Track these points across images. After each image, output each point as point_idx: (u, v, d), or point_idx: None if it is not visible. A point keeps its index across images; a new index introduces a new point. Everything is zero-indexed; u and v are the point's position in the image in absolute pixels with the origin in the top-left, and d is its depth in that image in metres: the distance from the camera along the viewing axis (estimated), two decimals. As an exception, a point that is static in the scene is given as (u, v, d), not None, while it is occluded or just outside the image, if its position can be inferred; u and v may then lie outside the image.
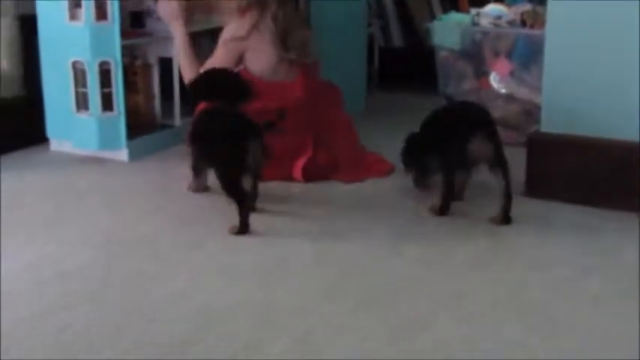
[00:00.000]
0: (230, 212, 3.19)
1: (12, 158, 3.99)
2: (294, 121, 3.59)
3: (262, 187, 3.42)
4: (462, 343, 2.30)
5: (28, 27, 4.10)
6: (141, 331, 2.36)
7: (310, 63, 3.82)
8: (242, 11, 3.69)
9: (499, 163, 3.16)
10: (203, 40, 4.34)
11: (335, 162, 3.70)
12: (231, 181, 3.04)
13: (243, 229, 3.03)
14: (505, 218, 3.15)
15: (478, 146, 3.13)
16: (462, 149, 3.13)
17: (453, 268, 2.80)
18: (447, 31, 4.32)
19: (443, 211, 3.24)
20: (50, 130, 4.08)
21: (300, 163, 3.63)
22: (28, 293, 2.60)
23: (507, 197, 3.14)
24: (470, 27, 4.27)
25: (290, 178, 3.63)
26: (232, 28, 3.70)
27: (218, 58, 3.68)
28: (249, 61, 3.70)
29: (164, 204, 3.40)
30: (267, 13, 3.68)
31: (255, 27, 3.67)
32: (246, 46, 3.69)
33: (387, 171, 3.76)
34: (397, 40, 5.34)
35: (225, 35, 3.71)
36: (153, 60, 4.22)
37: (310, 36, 3.87)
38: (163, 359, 2.22)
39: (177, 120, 4.22)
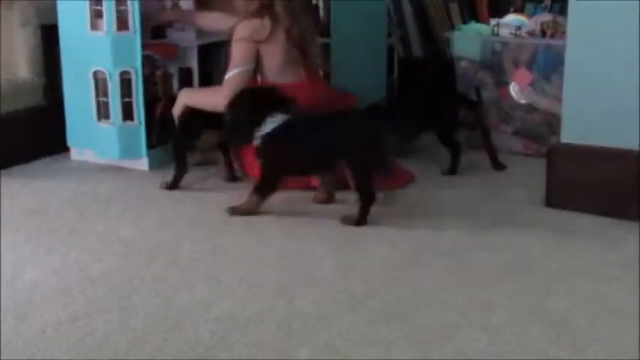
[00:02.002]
0: (250, 222, 3.22)
1: (33, 167, 4.02)
2: None
3: (283, 195, 3.44)
4: (484, 355, 2.29)
5: (49, 37, 4.13)
6: (164, 339, 2.36)
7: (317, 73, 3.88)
8: (250, 16, 3.67)
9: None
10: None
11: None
12: None
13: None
14: None
15: None
16: None
17: (474, 278, 2.80)
18: (467, 41, 4.32)
19: None
20: (71, 139, 4.10)
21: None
22: (52, 300, 2.62)
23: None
24: (490, 37, 4.27)
25: (309, 187, 3.63)
26: (248, 27, 3.64)
27: (241, 56, 3.62)
28: (263, 64, 3.69)
29: (184, 213, 3.41)
30: (279, 23, 3.65)
31: (271, 33, 3.65)
32: (262, 47, 3.67)
33: (407, 181, 3.75)
34: (417, 50, 5.34)
35: (241, 34, 3.64)
36: (173, 70, 4.24)
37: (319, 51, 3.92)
38: (186, 367, 2.23)
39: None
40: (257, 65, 3.67)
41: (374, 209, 3.31)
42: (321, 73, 4.01)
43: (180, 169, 3.68)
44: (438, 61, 5.12)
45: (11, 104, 4.06)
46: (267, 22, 3.63)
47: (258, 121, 3.31)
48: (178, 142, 3.74)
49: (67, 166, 4.05)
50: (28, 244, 3.07)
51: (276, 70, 3.68)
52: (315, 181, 3.60)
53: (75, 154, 4.13)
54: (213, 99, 3.58)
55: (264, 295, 2.66)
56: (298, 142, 3.32)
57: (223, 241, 3.10)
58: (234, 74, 3.59)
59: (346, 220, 3.28)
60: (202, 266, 2.89)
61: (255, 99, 3.39)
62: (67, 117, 4.07)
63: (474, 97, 4.07)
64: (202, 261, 2.94)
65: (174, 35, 4.23)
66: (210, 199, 3.54)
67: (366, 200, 3.26)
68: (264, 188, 3.36)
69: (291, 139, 3.32)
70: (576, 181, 3.38)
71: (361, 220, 3.26)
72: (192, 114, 3.66)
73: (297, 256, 2.97)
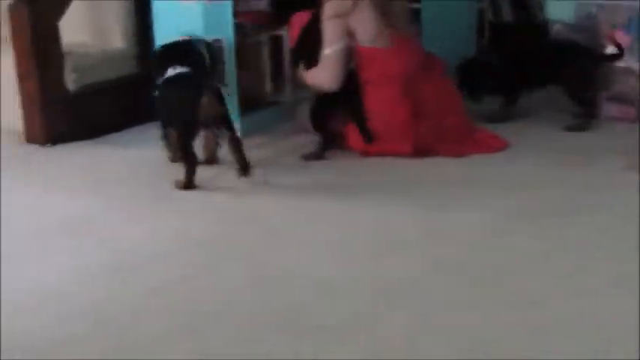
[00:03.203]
0: (338, 187, 3.23)
1: (129, 134, 4.09)
2: (393, 90, 3.63)
3: (368, 162, 3.45)
4: (579, 318, 2.27)
5: (143, 7, 4.19)
6: (261, 301, 2.41)
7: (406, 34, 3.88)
8: None
9: None
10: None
11: (440, 133, 3.68)
12: None
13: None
14: None
15: None
16: None
17: (569, 243, 2.76)
18: (561, 4, 4.22)
19: None
20: (164, 107, 4.15)
21: (406, 138, 3.62)
22: (151, 263, 2.68)
23: None
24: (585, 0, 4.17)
25: (395, 153, 3.63)
26: (333, 5, 3.71)
27: (331, 34, 3.70)
28: (357, 33, 3.72)
29: (275, 178, 3.43)
30: None
31: (355, 3, 3.69)
32: (351, 21, 3.70)
33: (500, 148, 3.70)
34: (507, 14, 5.24)
35: (328, 12, 3.72)
36: (263, 38, 4.25)
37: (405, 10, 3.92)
38: (282, 328, 2.26)
39: (288, 97, 4.25)
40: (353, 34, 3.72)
41: (459, 174, 3.30)
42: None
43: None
44: (530, 25, 5.02)
45: (106, 73, 4.14)
46: None
47: (161, 74, 3.44)
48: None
49: (159, 133, 4.10)
50: (125, 209, 3.15)
51: (369, 36, 3.70)
52: (404, 147, 3.61)
53: (168, 121, 4.18)
54: (318, 78, 3.71)
55: (356, 260, 2.67)
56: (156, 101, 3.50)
57: (313, 208, 3.13)
58: (328, 53, 3.68)
59: (177, 184, 3.31)
60: (295, 232, 2.92)
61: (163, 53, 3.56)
62: (160, 85, 4.12)
63: None
64: (294, 227, 2.96)
65: (262, 3, 4.24)
66: (301, 166, 3.56)
67: (188, 163, 3.30)
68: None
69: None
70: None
71: (188, 183, 3.30)
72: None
73: (388, 223, 2.97)
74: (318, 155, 3.66)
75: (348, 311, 2.34)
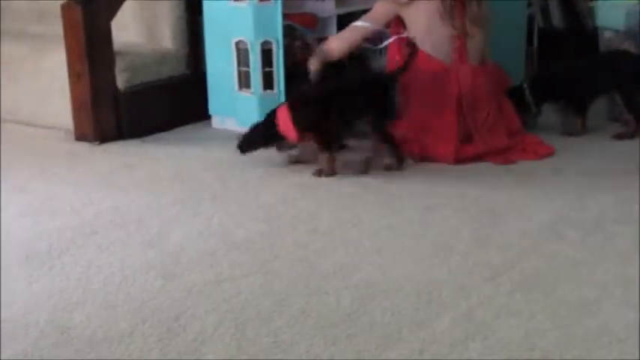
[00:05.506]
0: (385, 191, 3.24)
1: (177, 134, 4.14)
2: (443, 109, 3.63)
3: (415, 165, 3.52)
4: (626, 329, 2.25)
5: (193, 8, 4.24)
6: (305, 302, 2.43)
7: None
8: None
9: None
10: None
11: (490, 150, 3.66)
12: None
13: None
14: None
15: None
16: None
17: (616, 252, 2.74)
18: (612, 11, 4.19)
19: None
20: (213, 107, 4.21)
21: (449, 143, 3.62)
22: (198, 262, 2.72)
23: None
24: (635, 7, 4.12)
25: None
26: None
27: (373, 13, 3.72)
28: (408, 27, 3.67)
29: (322, 182, 3.45)
30: None
31: None
32: (405, 12, 3.64)
33: (546, 154, 3.69)
34: (557, 20, 5.21)
35: None
36: (311, 40, 4.28)
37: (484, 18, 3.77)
38: (329, 330, 2.28)
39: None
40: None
41: (504, 179, 3.34)
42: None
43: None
44: (580, 32, 4.98)
45: (156, 73, 4.20)
46: None
47: None
48: None
49: (208, 133, 4.16)
50: (173, 208, 3.19)
51: (420, 35, 3.62)
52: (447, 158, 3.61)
53: (216, 122, 4.23)
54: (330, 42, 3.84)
55: (402, 264, 2.68)
56: None
57: (359, 210, 3.14)
58: (356, 25, 3.72)
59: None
60: (340, 234, 2.93)
61: None
62: (209, 86, 4.17)
63: None
64: (340, 229, 2.98)
65: (313, 5, 4.26)
66: (345, 168, 3.58)
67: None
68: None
69: None
70: None
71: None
72: None
73: (434, 227, 2.97)
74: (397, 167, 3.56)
75: (394, 313, 2.35)
